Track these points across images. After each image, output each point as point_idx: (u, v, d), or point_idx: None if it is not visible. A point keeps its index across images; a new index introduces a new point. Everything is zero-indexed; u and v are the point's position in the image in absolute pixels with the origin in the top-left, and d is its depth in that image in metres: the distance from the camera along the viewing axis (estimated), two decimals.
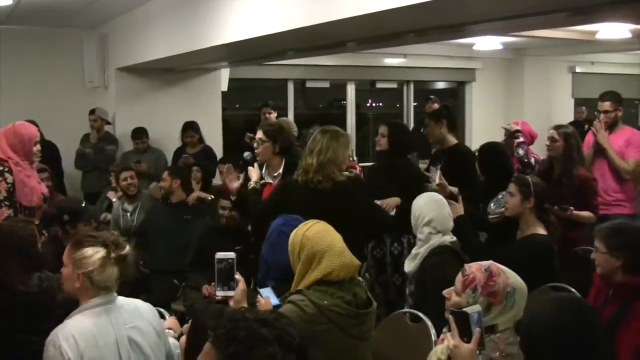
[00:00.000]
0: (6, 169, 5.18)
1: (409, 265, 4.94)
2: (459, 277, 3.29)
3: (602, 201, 6.56)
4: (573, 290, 4.67)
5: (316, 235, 3.69)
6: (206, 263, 6.26)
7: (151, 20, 8.35)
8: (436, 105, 11.12)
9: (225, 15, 6.58)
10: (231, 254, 3.63)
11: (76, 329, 3.30)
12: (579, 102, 13.53)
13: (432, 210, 4.92)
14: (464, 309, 2.92)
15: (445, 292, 3.34)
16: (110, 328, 3.35)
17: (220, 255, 3.61)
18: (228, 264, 3.58)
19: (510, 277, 3.27)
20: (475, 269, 3.27)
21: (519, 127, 7.09)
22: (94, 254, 3.35)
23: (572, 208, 5.92)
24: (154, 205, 7.57)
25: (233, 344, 2.12)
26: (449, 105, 7.42)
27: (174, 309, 6.47)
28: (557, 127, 6.47)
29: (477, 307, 2.94)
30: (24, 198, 5.21)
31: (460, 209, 5.24)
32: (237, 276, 3.60)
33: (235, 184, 5.78)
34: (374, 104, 13.78)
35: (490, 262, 3.33)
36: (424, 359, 3.74)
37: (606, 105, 6.98)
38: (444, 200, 5.09)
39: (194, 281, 6.26)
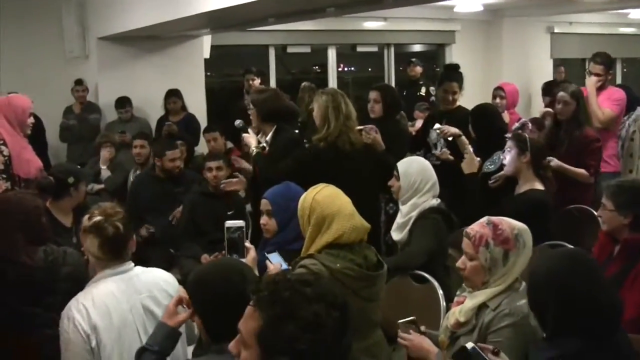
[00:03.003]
0: (1, 142, 5.13)
1: (399, 234, 4.94)
2: (466, 242, 3.32)
3: None
4: (571, 247, 4.72)
5: (326, 199, 3.70)
6: (198, 231, 6.32)
7: None
8: (419, 69, 11.15)
9: None
10: (240, 222, 3.69)
11: (88, 299, 3.36)
12: (557, 63, 13.57)
13: (432, 176, 4.96)
14: (463, 345, 2.88)
15: (458, 264, 3.38)
16: (123, 297, 3.40)
17: (229, 223, 3.68)
18: (238, 232, 3.62)
19: (511, 221, 3.34)
20: (477, 228, 3.32)
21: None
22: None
23: (551, 158, 5.87)
24: (140, 177, 7.41)
25: (277, 305, 2.13)
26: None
27: None
28: (565, 89, 6.36)
29: (471, 344, 2.90)
30: (21, 170, 5.18)
31: (476, 166, 5.39)
32: (247, 244, 3.63)
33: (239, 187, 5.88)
34: (354, 68, 13.78)
35: (486, 217, 3.38)
36: (433, 319, 3.80)
37: (598, 68, 7.00)
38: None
39: (189, 250, 6.25)
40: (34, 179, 5.33)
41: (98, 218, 3.49)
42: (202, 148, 8.93)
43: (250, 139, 5.63)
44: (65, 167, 6.16)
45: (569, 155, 6.08)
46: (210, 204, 6.35)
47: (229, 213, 6.24)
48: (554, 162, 5.88)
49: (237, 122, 6.26)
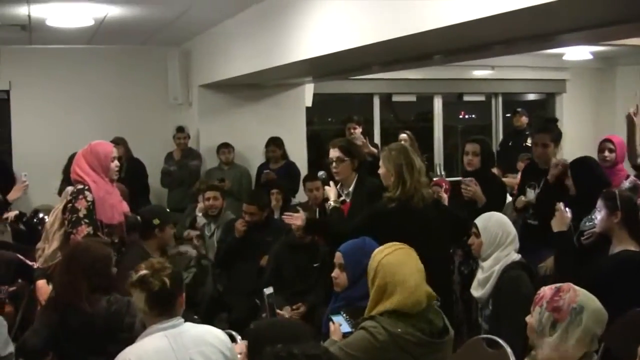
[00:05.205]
0: (86, 187, 5.21)
1: (480, 290, 4.73)
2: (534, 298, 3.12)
3: None
4: None
5: (392, 266, 3.59)
6: (283, 282, 6.22)
7: (233, 37, 8.35)
8: (524, 119, 10.84)
9: (307, 29, 6.50)
10: (270, 289, 3.93)
11: (134, 353, 3.32)
12: None
13: (512, 229, 4.80)
14: None
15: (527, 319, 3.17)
16: (171, 352, 3.32)
17: (268, 291, 3.97)
18: (272, 299, 3.67)
19: (581, 295, 3.06)
20: (547, 287, 3.11)
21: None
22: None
23: None
24: (230, 223, 7.38)
25: None
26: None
27: None
28: None
29: None
30: (104, 215, 5.22)
31: (566, 223, 5.08)
32: (280, 311, 3.61)
33: (299, 222, 5.55)
34: (461, 117, 13.58)
35: (568, 283, 3.14)
36: None
37: None
38: None
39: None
40: (119, 224, 5.38)
41: (144, 272, 3.42)
42: (301, 196, 8.87)
43: (331, 192, 5.45)
44: (154, 208, 6.42)
45: None
46: (295, 255, 6.26)
47: (314, 265, 6.14)
48: None
49: (320, 174, 6.18)
